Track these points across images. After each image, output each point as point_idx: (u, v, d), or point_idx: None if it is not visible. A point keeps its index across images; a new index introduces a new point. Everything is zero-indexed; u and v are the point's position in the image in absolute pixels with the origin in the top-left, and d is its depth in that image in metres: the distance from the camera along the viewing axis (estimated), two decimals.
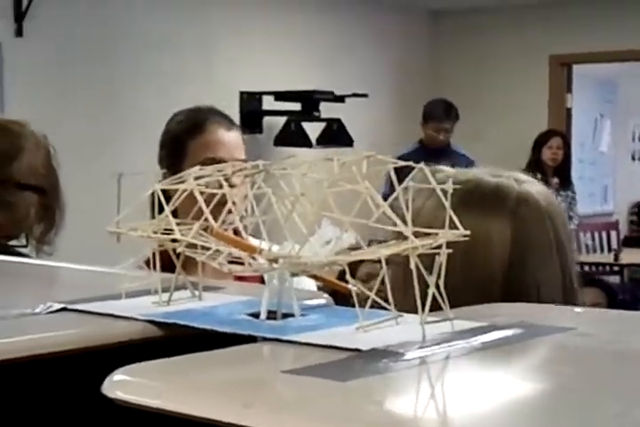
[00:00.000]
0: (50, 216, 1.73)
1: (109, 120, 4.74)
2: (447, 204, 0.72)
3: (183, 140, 1.90)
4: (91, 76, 4.66)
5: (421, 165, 0.74)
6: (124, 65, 4.81)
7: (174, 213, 0.82)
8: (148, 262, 0.85)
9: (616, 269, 6.90)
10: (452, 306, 0.73)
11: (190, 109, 2.00)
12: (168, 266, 0.84)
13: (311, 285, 1.73)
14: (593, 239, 7.50)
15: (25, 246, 1.72)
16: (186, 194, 0.83)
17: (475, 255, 1.10)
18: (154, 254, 0.82)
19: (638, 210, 7.26)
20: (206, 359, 0.64)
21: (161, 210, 0.83)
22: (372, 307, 0.74)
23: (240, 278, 1.53)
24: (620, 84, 8.30)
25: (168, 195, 0.83)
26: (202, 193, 0.82)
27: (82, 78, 4.62)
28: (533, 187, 1.20)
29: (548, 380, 0.62)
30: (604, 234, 7.57)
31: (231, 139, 1.91)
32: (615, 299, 4.31)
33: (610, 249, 7.30)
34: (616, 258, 6.65)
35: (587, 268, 6.99)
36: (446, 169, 1.20)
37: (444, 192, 0.72)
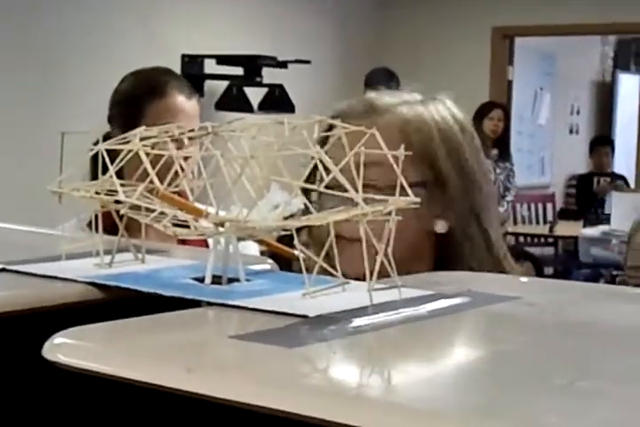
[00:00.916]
0: None
1: (56, 82, 4.64)
2: (398, 171, 0.71)
3: (141, 101, 1.84)
4: (36, 30, 4.55)
5: (373, 130, 0.73)
6: (59, 26, 4.70)
7: (121, 175, 0.80)
8: (90, 224, 0.83)
9: (551, 240, 7.00)
10: None
11: (149, 70, 1.95)
12: (111, 228, 0.82)
13: (255, 250, 1.72)
14: (529, 211, 7.59)
15: None
16: (131, 155, 0.81)
17: None
18: (96, 216, 0.80)
19: (576, 182, 7.33)
20: (150, 323, 0.63)
21: (105, 171, 0.81)
22: (318, 273, 0.73)
23: (183, 242, 1.51)
24: (559, 58, 8.37)
25: (115, 155, 0.81)
26: (148, 154, 0.80)
27: (13, 38, 4.51)
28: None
29: (493, 349, 0.62)
30: (540, 206, 7.67)
31: (191, 107, 1.87)
32: (542, 271, 4.38)
33: (545, 221, 7.40)
34: (551, 230, 6.74)
35: (522, 239, 7.08)
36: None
37: (395, 158, 0.72)
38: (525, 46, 7.36)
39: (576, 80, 8.72)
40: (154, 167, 0.79)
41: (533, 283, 0.80)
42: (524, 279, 0.80)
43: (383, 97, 1.28)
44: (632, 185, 6.55)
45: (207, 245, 1.61)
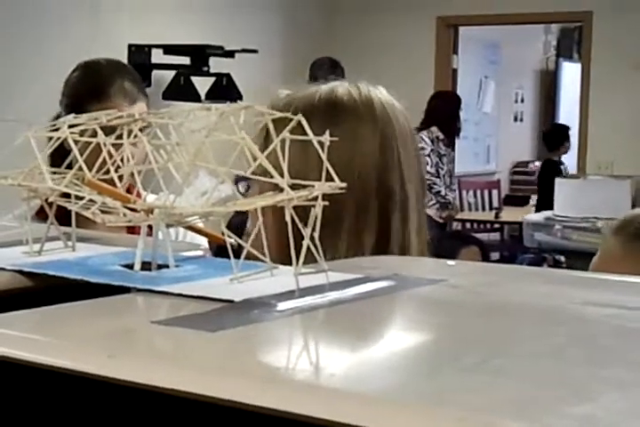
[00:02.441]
0: None
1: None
2: (324, 156, 0.72)
3: (83, 101, 1.81)
4: None
5: (299, 116, 0.74)
6: (4, 16, 4.64)
7: (71, 165, 0.80)
8: (38, 213, 0.83)
9: (497, 226, 7.07)
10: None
11: (94, 65, 1.89)
12: (63, 218, 0.82)
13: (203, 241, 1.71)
14: (475, 197, 7.66)
15: None
16: (59, 142, 0.81)
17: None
18: (49, 205, 0.80)
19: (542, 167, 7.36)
20: (75, 310, 0.63)
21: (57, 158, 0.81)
22: (248, 259, 0.74)
23: (132, 232, 1.50)
24: (503, 47, 8.44)
25: (69, 146, 0.81)
26: (76, 142, 0.80)
27: None
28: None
29: (415, 330, 0.63)
30: (485, 193, 7.74)
31: (134, 111, 1.83)
32: (487, 256, 4.42)
33: (491, 207, 7.48)
34: (497, 216, 6.81)
35: (468, 225, 7.14)
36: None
37: (321, 144, 0.72)
38: (470, 35, 7.41)
39: (520, 69, 8.81)
40: (97, 156, 0.79)
41: (460, 266, 0.81)
42: (450, 263, 0.82)
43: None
44: (575, 171, 6.63)
45: None
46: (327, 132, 0.73)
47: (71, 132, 0.80)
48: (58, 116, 0.87)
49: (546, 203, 5.94)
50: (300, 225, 0.71)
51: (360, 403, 0.47)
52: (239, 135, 0.72)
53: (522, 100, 8.99)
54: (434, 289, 0.71)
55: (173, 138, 0.74)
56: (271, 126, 0.76)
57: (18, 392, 0.59)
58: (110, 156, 0.80)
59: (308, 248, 0.71)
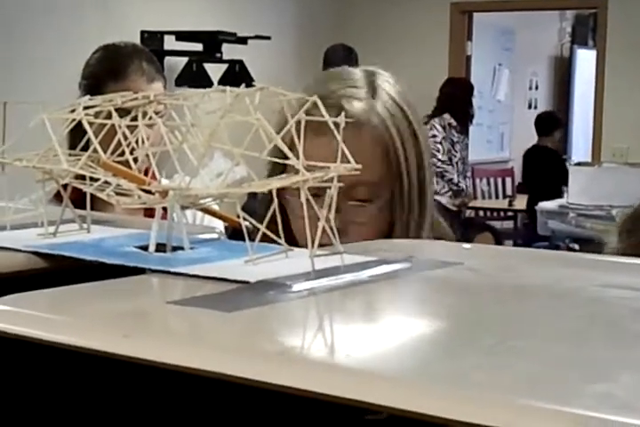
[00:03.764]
0: None
1: (17, 53, 4.58)
2: (339, 137, 0.72)
3: (101, 81, 1.86)
4: None
5: (314, 97, 0.74)
6: (18, 3, 4.64)
7: (87, 147, 0.80)
8: (56, 196, 0.83)
9: (510, 214, 7.06)
10: None
11: (113, 47, 1.94)
12: (77, 199, 0.82)
13: (220, 224, 1.72)
14: (489, 185, 7.64)
15: None
16: (74, 124, 0.81)
17: None
18: (64, 187, 0.80)
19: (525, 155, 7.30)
20: (90, 290, 0.63)
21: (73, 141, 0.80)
22: (263, 241, 0.74)
23: (150, 215, 1.51)
24: (518, 34, 8.40)
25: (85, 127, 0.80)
26: (92, 124, 0.80)
27: None
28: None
29: (430, 313, 0.63)
30: (499, 180, 7.72)
31: (152, 91, 1.86)
32: (501, 242, 4.42)
33: (505, 195, 7.46)
34: (510, 204, 6.79)
35: (482, 213, 7.13)
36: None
37: (336, 125, 0.72)
38: (484, 22, 7.38)
39: (534, 55, 8.76)
40: (112, 137, 0.79)
41: (476, 249, 0.81)
42: (466, 246, 0.81)
43: (352, 102, 1.24)
44: (589, 158, 6.61)
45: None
46: (342, 114, 0.73)
47: (86, 114, 0.80)
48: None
49: (536, 192, 5.94)
50: (315, 206, 0.71)
51: (376, 382, 0.47)
52: (254, 116, 0.72)
53: (536, 88, 8.95)
54: (450, 272, 0.71)
55: (188, 119, 0.74)
56: (286, 107, 0.75)
57: (33, 371, 0.59)
58: (125, 138, 0.80)
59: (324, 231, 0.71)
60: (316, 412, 0.57)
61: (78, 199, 0.83)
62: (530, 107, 8.82)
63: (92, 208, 0.83)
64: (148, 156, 0.81)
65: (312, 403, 0.49)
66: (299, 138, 0.71)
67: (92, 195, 0.80)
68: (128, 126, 0.80)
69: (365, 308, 0.64)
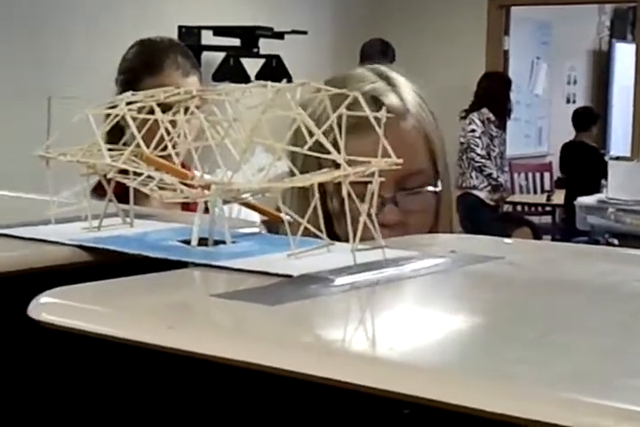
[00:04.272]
0: None
1: (52, 48, 4.63)
2: (380, 132, 0.72)
3: (138, 75, 1.88)
4: (11, 7, 4.53)
5: (356, 92, 0.74)
6: None
7: (127, 142, 0.81)
8: (94, 190, 0.84)
9: (548, 209, 7.01)
10: None
11: (149, 42, 1.96)
12: (121, 195, 0.83)
13: (256, 218, 1.73)
14: (527, 180, 7.60)
15: None
16: (118, 119, 0.81)
17: None
18: (97, 181, 0.81)
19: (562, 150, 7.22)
20: (134, 283, 0.64)
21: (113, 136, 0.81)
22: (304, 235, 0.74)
23: (187, 209, 1.52)
24: (556, 28, 8.34)
25: (126, 123, 0.81)
26: (135, 119, 0.80)
27: (3, 10, 4.49)
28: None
29: (472, 307, 0.63)
30: (537, 175, 7.68)
31: (188, 86, 1.87)
32: (539, 237, 4.39)
33: (543, 190, 7.41)
34: (548, 199, 6.75)
35: (520, 208, 7.09)
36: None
37: (378, 120, 0.72)
38: (521, 16, 7.33)
39: (573, 50, 8.70)
40: (153, 132, 0.79)
41: (517, 244, 0.81)
42: (508, 241, 0.81)
43: (386, 96, 1.26)
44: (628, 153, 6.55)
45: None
46: (384, 109, 0.73)
47: (129, 109, 0.81)
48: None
49: (574, 187, 5.89)
50: (357, 201, 0.71)
51: (421, 375, 0.47)
52: (295, 111, 0.72)
53: (574, 82, 8.88)
54: (491, 266, 0.71)
55: (230, 114, 0.74)
56: (328, 103, 0.76)
57: (79, 363, 0.60)
58: (167, 133, 0.81)
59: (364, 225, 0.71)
60: (352, 405, 0.57)
61: (116, 193, 0.83)
62: (568, 101, 8.76)
63: (129, 202, 0.84)
64: (189, 151, 0.82)
65: (349, 396, 0.50)
66: (340, 133, 0.71)
67: (128, 189, 0.81)
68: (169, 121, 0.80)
69: (407, 302, 0.65)
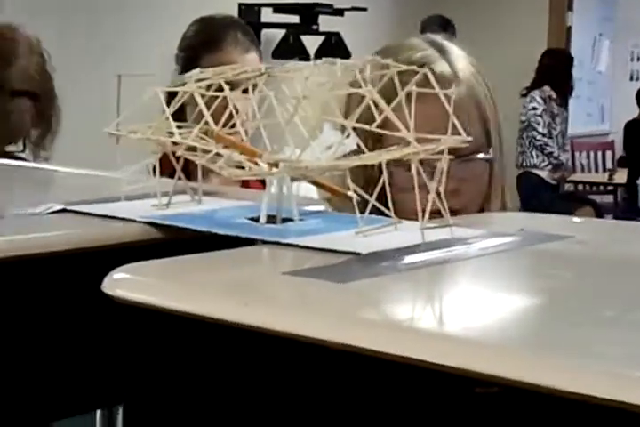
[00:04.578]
0: (45, 122, 1.73)
1: (112, 26, 4.66)
2: (450, 109, 0.71)
3: (198, 52, 1.91)
4: None
5: (425, 69, 0.73)
6: None
7: (181, 119, 0.82)
8: (154, 168, 0.85)
9: (610, 188, 6.92)
10: None
11: (209, 19, 1.98)
12: (172, 172, 0.84)
13: (312, 193, 1.74)
14: (588, 159, 7.50)
15: (22, 151, 1.72)
16: (186, 97, 0.82)
17: None
18: (160, 160, 0.82)
19: (625, 128, 7.09)
20: (207, 260, 0.64)
21: (175, 113, 0.82)
22: (371, 213, 0.74)
23: (247, 186, 1.54)
24: (619, 3, 8.19)
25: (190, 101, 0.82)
26: (203, 96, 0.81)
27: None
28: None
29: (544, 285, 0.62)
30: (599, 154, 7.58)
31: (247, 62, 1.89)
32: (601, 216, 4.34)
33: (605, 169, 7.31)
34: (610, 178, 6.66)
35: (581, 187, 7.01)
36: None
37: (447, 97, 0.72)
38: None
39: (636, 26, 8.53)
40: (209, 109, 0.80)
41: (586, 223, 0.80)
42: (577, 220, 0.80)
43: (437, 64, 1.26)
44: None
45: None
46: (453, 86, 0.73)
47: (198, 87, 0.81)
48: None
49: (637, 166, 5.79)
50: (425, 178, 0.71)
51: (499, 353, 0.47)
52: (365, 88, 0.72)
53: (638, 59, 8.72)
54: (562, 245, 0.70)
55: (299, 91, 0.74)
56: (396, 79, 0.75)
57: (152, 338, 0.61)
58: (236, 110, 0.81)
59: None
60: (426, 384, 0.57)
61: (173, 172, 0.84)
62: (631, 79, 8.60)
63: (189, 179, 0.85)
64: (247, 129, 0.82)
65: (423, 375, 0.50)
66: (409, 110, 0.71)
67: (189, 166, 0.82)
68: (225, 99, 0.81)
69: (477, 280, 0.64)
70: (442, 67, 1.24)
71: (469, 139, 0.72)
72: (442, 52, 1.27)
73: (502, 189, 1.27)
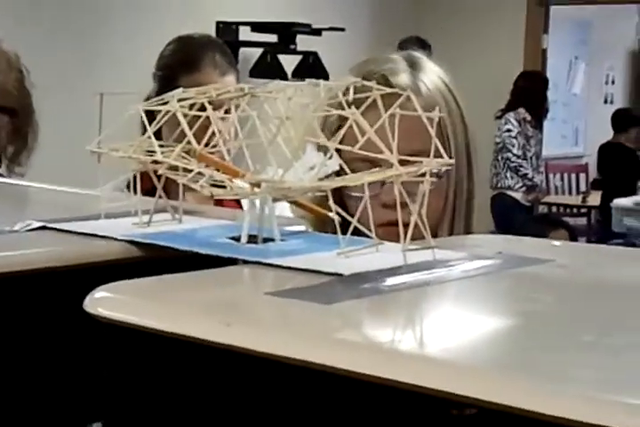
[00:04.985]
0: (22, 137, 1.72)
1: (91, 43, 4.66)
2: (432, 132, 0.72)
3: (175, 72, 1.89)
4: (71, 2, 4.57)
5: (408, 92, 0.74)
6: None
7: (159, 137, 0.81)
8: (129, 186, 0.84)
9: (583, 211, 6.97)
10: None
11: (187, 39, 1.97)
12: (149, 190, 0.84)
13: (287, 211, 1.74)
14: (562, 181, 7.55)
15: None
16: (169, 116, 0.82)
17: None
18: (134, 176, 0.82)
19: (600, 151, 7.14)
20: (189, 279, 0.64)
21: (146, 131, 0.82)
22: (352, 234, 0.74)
23: (219, 204, 1.53)
24: (594, 27, 8.28)
25: (154, 117, 0.83)
26: (185, 116, 0.81)
27: (64, 4, 4.53)
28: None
29: (524, 307, 0.63)
30: (573, 176, 7.63)
31: (225, 84, 1.89)
32: (576, 240, 4.36)
33: (578, 191, 7.36)
34: (584, 200, 6.71)
35: (555, 209, 7.05)
36: None
37: (430, 120, 0.72)
38: (560, 14, 7.28)
39: (611, 49, 8.63)
40: (190, 128, 0.80)
41: (565, 246, 0.81)
42: (556, 243, 0.81)
43: (397, 76, 1.27)
44: None
45: (242, 208, 1.65)
46: (437, 109, 0.73)
47: (181, 106, 0.81)
48: (148, 98, 0.88)
49: (610, 188, 5.84)
50: (407, 201, 0.71)
51: (474, 375, 0.47)
52: (349, 111, 0.72)
53: (612, 82, 8.81)
54: (542, 268, 0.71)
55: (283, 112, 0.75)
56: (379, 102, 0.76)
57: (132, 356, 0.61)
58: (218, 130, 0.81)
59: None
60: (403, 405, 0.57)
61: (150, 189, 0.84)
62: (606, 102, 8.69)
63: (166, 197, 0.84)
64: (229, 149, 0.82)
65: (401, 396, 0.50)
66: (392, 133, 0.71)
67: (166, 184, 0.82)
68: (207, 119, 0.81)
69: (458, 303, 0.65)
70: (402, 79, 1.25)
71: (452, 161, 0.73)
72: (413, 66, 1.28)
73: (468, 210, 1.27)
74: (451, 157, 1.22)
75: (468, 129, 1.28)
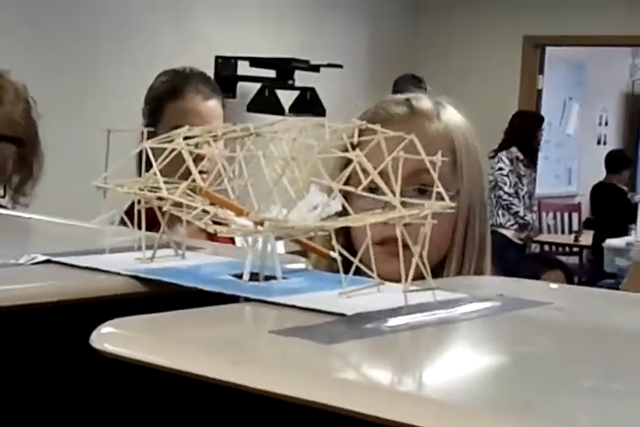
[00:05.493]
0: (27, 168, 1.74)
1: (78, 80, 4.68)
2: (435, 175, 0.73)
3: (161, 102, 1.97)
4: (71, 31, 4.60)
5: (412, 135, 0.75)
6: (90, 27, 4.74)
7: (160, 173, 0.82)
8: (127, 214, 0.85)
9: (575, 250, 6.99)
10: None
11: (174, 71, 2.04)
12: (148, 224, 0.84)
13: (280, 247, 1.75)
14: (555, 220, 7.58)
15: (2, 197, 1.72)
16: (174, 154, 0.83)
17: None
18: (139, 212, 0.83)
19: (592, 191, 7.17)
20: (193, 316, 0.65)
21: (148, 168, 0.83)
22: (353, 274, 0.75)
23: (211, 239, 1.55)
24: (589, 68, 8.36)
25: (153, 153, 0.84)
26: (190, 153, 0.82)
27: (63, 32, 4.56)
28: None
29: (524, 351, 0.63)
30: (565, 215, 7.66)
31: (208, 109, 1.95)
32: (572, 280, 4.37)
33: (571, 230, 7.39)
34: (576, 239, 6.73)
35: (547, 247, 7.07)
36: None
37: (433, 164, 0.73)
38: (556, 55, 7.35)
39: (605, 91, 8.71)
40: (189, 166, 0.81)
41: (563, 289, 0.82)
42: (554, 286, 0.82)
43: (420, 101, 1.31)
44: None
45: (234, 243, 1.67)
46: (439, 153, 0.74)
47: (187, 144, 0.82)
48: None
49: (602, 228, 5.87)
50: (409, 242, 0.72)
51: (471, 419, 0.48)
52: (353, 152, 0.73)
53: (606, 123, 8.88)
54: (541, 311, 0.71)
55: (288, 153, 0.76)
56: (383, 144, 0.77)
57: (138, 392, 0.61)
58: (224, 168, 0.82)
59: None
60: None
61: (148, 222, 0.84)
62: (599, 142, 8.75)
63: (152, 229, 0.85)
64: (234, 187, 0.83)
65: None
66: (395, 175, 0.72)
67: (156, 216, 0.82)
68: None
69: (458, 345, 0.65)
70: (425, 103, 1.28)
71: (453, 204, 0.74)
72: (437, 102, 1.31)
73: (481, 251, 1.27)
74: (464, 191, 1.24)
75: (482, 179, 1.31)
